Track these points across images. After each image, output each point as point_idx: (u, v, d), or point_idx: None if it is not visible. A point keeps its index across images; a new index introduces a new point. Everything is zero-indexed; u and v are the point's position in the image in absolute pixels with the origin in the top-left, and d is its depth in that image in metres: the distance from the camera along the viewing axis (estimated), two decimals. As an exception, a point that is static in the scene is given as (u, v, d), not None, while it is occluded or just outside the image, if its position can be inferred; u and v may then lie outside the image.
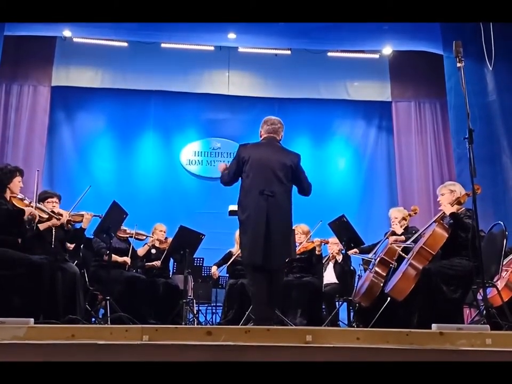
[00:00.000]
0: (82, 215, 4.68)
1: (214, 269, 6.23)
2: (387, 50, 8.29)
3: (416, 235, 4.59)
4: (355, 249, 5.38)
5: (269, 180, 3.90)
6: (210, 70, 8.61)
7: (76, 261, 4.92)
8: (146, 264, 6.05)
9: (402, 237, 4.93)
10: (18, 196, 4.26)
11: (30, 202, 4.25)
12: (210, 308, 7.01)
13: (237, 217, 4.02)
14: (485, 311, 3.54)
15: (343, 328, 5.09)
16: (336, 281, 5.99)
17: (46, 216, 4.37)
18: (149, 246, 6.05)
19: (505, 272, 4.56)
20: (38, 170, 4.54)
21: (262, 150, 4.06)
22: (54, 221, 4.40)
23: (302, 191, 4.14)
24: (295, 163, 4.03)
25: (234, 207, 4.17)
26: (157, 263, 5.99)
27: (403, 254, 4.65)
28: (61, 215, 4.49)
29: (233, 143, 8.34)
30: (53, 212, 4.45)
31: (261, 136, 4.20)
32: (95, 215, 4.77)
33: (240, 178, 4.05)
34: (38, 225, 4.35)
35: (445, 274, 4.04)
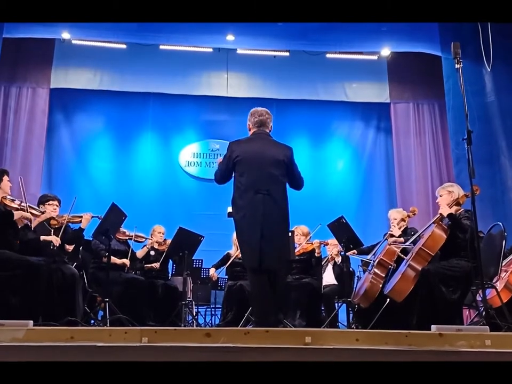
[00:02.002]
0: (81, 216, 4.71)
1: (212, 271, 6.22)
2: (385, 51, 8.30)
3: (415, 236, 4.58)
4: (354, 250, 5.38)
5: (264, 179, 3.74)
6: (208, 71, 8.61)
7: (75, 263, 4.92)
8: (145, 265, 6.05)
9: (401, 238, 4.93)
10: (10, 197, 4.26)
11: (21, 203, 4.25)
12: (210, 309, 7.01)
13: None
14: (484, 312, 3.54)
15: (342, 329, 5.09)
16: (335, 283, 5.99)
17: (39, 213, 4.38)
18: (147, 247, 6.05)
19: (504, 273, 4.55)
20: (20, 178, 4.51)
21: (254, 146, 3.88)
22: (43, 216, 4.40)
23: (293, 186, 3.95)
24: (288, 157, 3.87)
25: (233, 209, 4.11)
26: (156, 264, 5.99)
27: (402, 255, 4.65)
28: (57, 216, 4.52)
29: (232, 145, 8.34)
30: (45, 211, 4.46)
31: (249, 130, 4.05)
32: (94, 216, 4.78)
33: (233, 176, 3.88)
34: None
35: (443, 275, 4.04)
